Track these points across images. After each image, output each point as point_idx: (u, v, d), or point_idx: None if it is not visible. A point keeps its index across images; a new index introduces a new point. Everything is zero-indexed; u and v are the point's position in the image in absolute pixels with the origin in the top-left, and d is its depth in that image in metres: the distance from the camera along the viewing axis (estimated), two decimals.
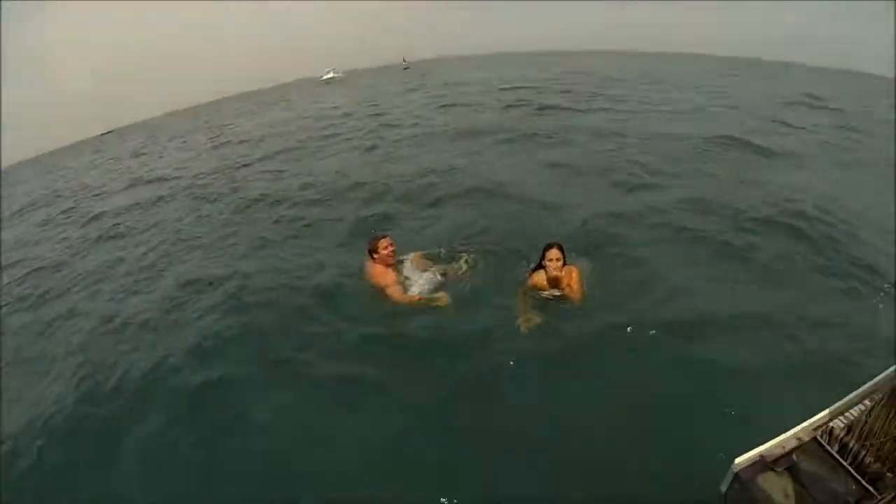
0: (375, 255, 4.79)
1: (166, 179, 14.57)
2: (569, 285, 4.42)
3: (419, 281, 4.77)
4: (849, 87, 30.92)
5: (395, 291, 4.57)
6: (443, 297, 4.47)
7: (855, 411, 2.26)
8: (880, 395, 2.16)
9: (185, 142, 25.67)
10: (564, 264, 4.39)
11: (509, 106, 18.45)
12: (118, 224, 10.33)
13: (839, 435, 2.09)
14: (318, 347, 4.34)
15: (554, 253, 4.34)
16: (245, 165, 13.93)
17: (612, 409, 3.35)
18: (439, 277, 4.82)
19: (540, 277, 4.50)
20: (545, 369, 3.73)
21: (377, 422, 3.48)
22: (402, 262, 5.07)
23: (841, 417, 2.26)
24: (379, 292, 4.65)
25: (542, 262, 4.43)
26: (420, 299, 4.52)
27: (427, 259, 5.19)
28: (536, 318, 4.20)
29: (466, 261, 5.14)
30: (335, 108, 26.87)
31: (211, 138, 23.77)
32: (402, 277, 4.85)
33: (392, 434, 3.35)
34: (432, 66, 71.04)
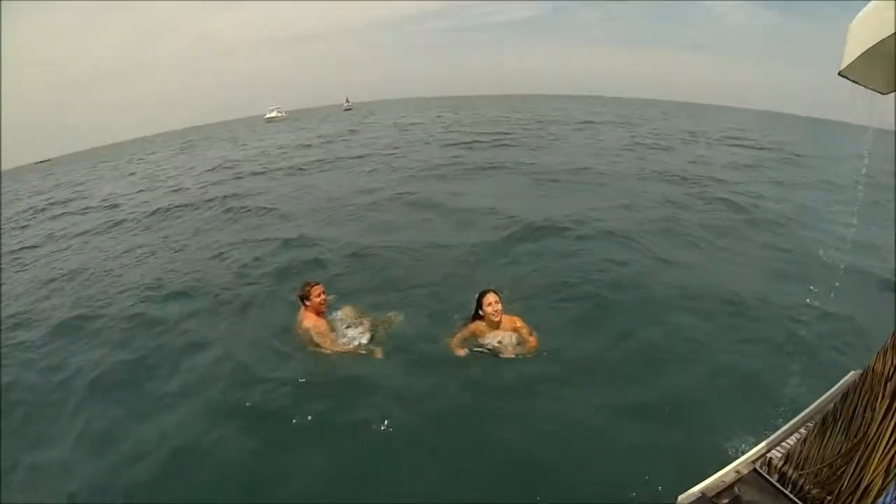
0: (307, 302, 4.59)
1: (104, 209, 13.98)
2: (516, 330, 4.28)
3: (350, 332, 4.62)
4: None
5: (325, 340, 4.41)
6: (376, 350, 4.32)
7: (791, 440, 2.26)
8: (813, 424, 2.17)
9: (132, 174, 24.79)
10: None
11: (448, 145, 19.54)
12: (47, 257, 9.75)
13: (777, 465, 2.07)
14: (241, 387, 4.12)
15: (492, 297, 4.20)
16: (188, 205, 13.40)
17: (551, 455, 3.23)
18: (370, 330, 4.66)
19: (479, 325, 4.30)
20: (482, 418, 3.59)
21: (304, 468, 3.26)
22: (334, 312, 4.92)
23: (778, 448, 2.25)
24: (309, 339, 4.48)
25: (480, 311, 4.26)
26: (352, 349, 4.39)
27: (358, 312, 5.02)
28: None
29: (396, 316, 5.00)
30: (279, 147, 26.76)
31: (155, 172, 22.91)
32: (333, 327, 4.68)
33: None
34: (373, 108, 73.32)
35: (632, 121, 34.61)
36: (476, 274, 6.19)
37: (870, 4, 1.43)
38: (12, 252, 10.72)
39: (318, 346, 4.39)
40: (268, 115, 68.79)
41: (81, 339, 5.57)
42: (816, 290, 5.13)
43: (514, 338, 4.28)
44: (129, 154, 43.73)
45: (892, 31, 1.39)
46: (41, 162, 67.91)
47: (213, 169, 20.30)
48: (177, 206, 12.71)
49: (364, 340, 4.51)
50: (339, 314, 4.91)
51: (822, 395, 2.59)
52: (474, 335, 4.30)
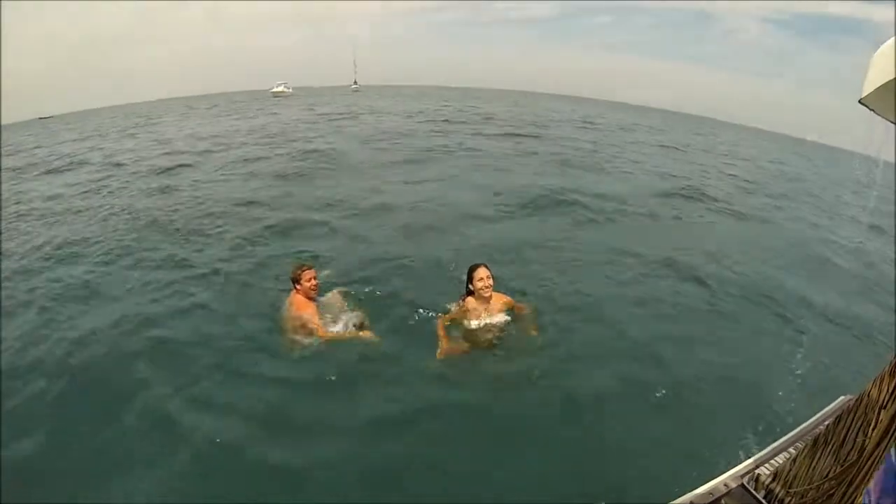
0: (298, 286, 4.53)
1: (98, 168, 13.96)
2: (507, 307, 4.25)
3: (340, 318, 4.52)
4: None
5: (316, 325, 4.30)
6: (371, 335, 4.22)
7: (780, 458, 2.29)
8: (802, 444, 2.20)
9: (133, 135, 24.73)
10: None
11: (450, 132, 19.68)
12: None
13: (765, 482, 2.10)
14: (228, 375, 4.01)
15: (483, 271, 4.10)
16: (185, 165, 13.48)
17: (535, 452, 3.23)
18: (359, 317, 4.56)
19: (470, 303, 4.20)
20: (468, 416, 3.51)
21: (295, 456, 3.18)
22: (323, 297, 4.80)
23: (766, 465, 2.28)
24: (298, 324, 4.38)
25: (470, 285, 4.18)
26: (346, 334, 4.30)
27: (346, 298, 4.92)
28: (464, 345, 4.02)
29: (383, 306, 4.87)
30: (284, 123, 26.58)
31: (158, 139, 22.74)
32: (323, 312, 4.56)
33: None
34: (382, 91, 74.00)
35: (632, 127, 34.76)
36: (467, 253, 6.12)
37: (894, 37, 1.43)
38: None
39: (306, 331, 4.29)
40: (274, 90, 68.41)
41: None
42: (820, 306, 5.21)
43: (505, 318, 4.23)
44: (133, 116, 43.41)
45: None
46: (43, 118, 67.10)
47: (217, 136, 20.38)
48: (179, 165, 12.97)
49: (352, 327, 4.41)
50: (328, 298, 4.81)
51: (812, 416, 2.62)
52: (465, 316, 4.20)
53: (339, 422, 3.44)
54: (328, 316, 4.53)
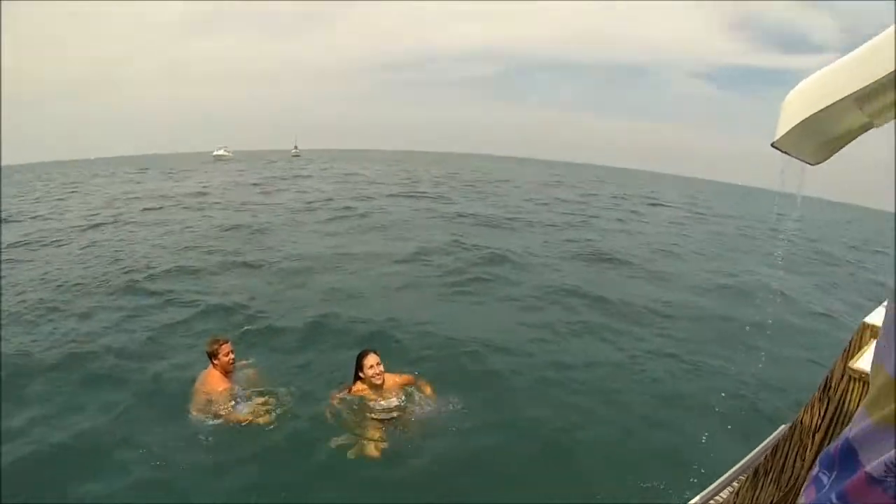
0: (216, 360, 4.27)
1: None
2: (404, 386, 4.09)
3: (254, 399, 4.27)
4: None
5: (225, 407, 4.07)
6: (270, 420, 3.95)
7: (724, 494, 2.24)
8: (745, 477, 2.16)
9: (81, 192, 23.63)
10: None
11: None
12: None
13: None
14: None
15: (373, 358, 3.92)
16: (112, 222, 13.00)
17: None
18: (271, 400, 4.27)
19: (360, 388, 4.01)
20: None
21: None
22: (240, 371, 4.62)
23: (712, 501, 2.21)
24: (207, 401, 4.12)
25: (360, 373, 3.97)
26: (247, 420, 3.99)
27: (262, 378, 4.69)
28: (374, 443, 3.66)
29: (290, 393, 4.45)
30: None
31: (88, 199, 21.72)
32: (239, 389, 4.33)
33: None
34: (321, 156, 76.37)
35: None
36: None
37: (806, 80, 1.53)
38: None
39: (213, 409, 4.02)
40: (216, 153, 68.16)
41: None
42: (747, 342, 5.39)
43: (402, 397, 4.03)
44: (71, 173, 41.62)
45: (823, 106, 1.50)
46: None
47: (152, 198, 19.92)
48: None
49: (262, 410, 4.10)
50: (247, 375, 4.60)
51: (753, 449, 2.61)
52: (359, 397, 3.97)
53: None
54: (243, 394, 4.27)
